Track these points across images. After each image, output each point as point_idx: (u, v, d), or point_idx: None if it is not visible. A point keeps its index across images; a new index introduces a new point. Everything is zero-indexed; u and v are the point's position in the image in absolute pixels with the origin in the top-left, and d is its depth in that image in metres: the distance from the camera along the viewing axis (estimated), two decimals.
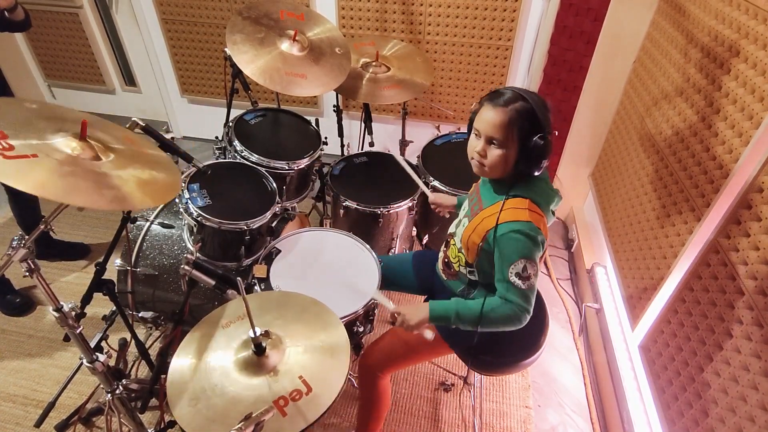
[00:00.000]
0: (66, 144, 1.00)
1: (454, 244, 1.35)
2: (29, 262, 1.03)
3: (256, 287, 1.47)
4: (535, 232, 1.13)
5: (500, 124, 1.12)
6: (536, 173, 1.16)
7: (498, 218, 1.14)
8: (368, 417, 1.56)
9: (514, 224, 1.13)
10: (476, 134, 1.19)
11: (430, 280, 1.52)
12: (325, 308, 1.17)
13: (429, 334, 1.25)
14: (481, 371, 1.47)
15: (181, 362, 1.05)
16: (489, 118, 1.13)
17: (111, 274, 1.51)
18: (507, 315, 1.14)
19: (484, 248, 1.21)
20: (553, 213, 1.26)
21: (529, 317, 1.16)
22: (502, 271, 1.14)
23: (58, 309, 1.10)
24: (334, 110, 2.35)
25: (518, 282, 1.12)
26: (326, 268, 1.58)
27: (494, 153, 1.15)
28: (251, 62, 1.76)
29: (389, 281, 1.60)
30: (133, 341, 1.58)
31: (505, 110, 1.11)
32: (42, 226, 1.09)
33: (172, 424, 1.55)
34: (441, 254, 1.45)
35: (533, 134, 1.11)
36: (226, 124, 2.00)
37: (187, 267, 1.26)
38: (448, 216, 1.57)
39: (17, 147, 0.90)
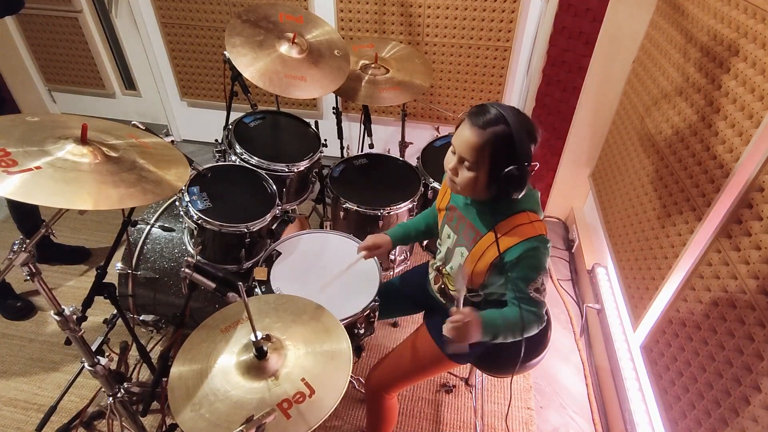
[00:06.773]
0: (71, 151, 0.99)
1: (449, 274, 1.33)
2: (30, 266, 1.03)
3: (257, 290, 1.47)
4: (545, 242, 1.13)
5: (473, 146, 1.06)
6: (515, 196, 1.11)
7: (498, 248, 1.12)
8: None
9: (527, 243, 1.11)
10: (452, 150, 1.14)
11: (422, 296, 1.50)
12: (325, 310, 1.17)
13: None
14: (487, 372, 1.47)
15: (181, 367, 1.04)
16: (465, 137, 1.08)
17: (112, 277, 1.51)
18: (530, 324, 1.17)
19: (493, 271, 1.18)
20: None
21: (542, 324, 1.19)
22: (521, 289, 1.14)
23: (60, 313, 1.10)
24: (333, 112, 2.35)
25: (536, 296, 1.14)
26: (327, 270, 1.57)
27: (464, 174, 1.11)
28: (250, 65, 1.76)
29: (384, 309, 1.54)
30: (134, 344, 1.58)
31: (483, 132, 1.05)
32: (43, 230, 1.09)
33: (174, 427, 1.55)
34: (433, 280, 1.42)
35: (506, 162, 1.05)
36: (225, 127, 2.00)
37: (187, 270, 1.26)
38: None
39: (20, 162, 0.90)
